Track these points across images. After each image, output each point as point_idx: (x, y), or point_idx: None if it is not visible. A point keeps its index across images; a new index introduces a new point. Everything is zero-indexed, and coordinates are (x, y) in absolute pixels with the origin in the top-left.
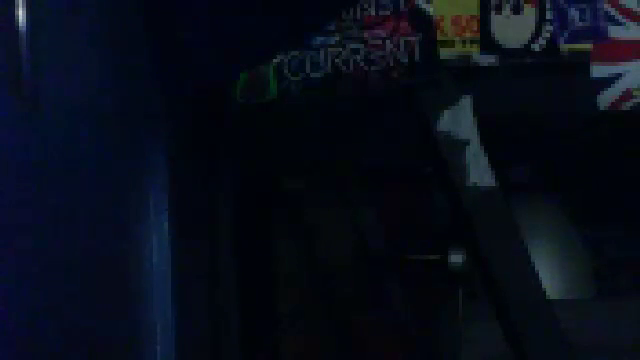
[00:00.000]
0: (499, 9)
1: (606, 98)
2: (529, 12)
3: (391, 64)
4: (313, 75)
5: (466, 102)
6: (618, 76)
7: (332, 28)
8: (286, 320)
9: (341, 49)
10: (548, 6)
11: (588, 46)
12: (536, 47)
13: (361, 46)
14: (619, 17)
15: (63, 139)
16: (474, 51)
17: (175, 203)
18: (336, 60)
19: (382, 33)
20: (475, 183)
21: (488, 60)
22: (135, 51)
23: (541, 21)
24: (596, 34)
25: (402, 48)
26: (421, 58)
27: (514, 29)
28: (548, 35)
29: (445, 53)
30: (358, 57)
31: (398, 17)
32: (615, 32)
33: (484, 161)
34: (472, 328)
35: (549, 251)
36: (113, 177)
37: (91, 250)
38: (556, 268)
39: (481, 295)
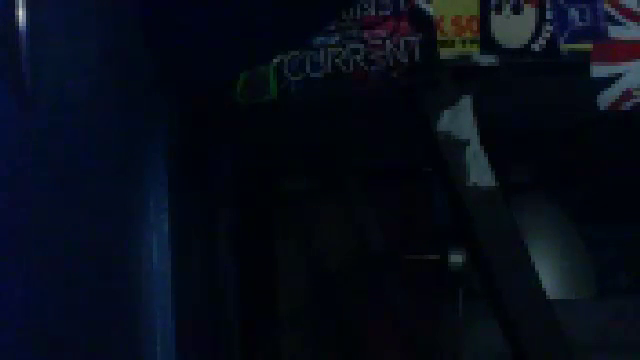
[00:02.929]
0: (499, 9)
1: (606, 98)
2: (529, 12)
3: (391, 64)
4: (313, 75)
5: (466, 102)
6: (618, 76)
7: (332, 28)
8: (286, 320)
9: (341, 49)
10: (548, 6)
11: (588, 46)
12: (536, 47)
13: (361, 46)
14: (619, 17)
15: (63, 139)
16: (474, 51)
17: (175, 203)
18: (336, 60)
19: (382, 33)
20: (475, 183)
21: (488, 60)
22: (135, 51)
23: (541, 21)
24: (596, 34)
25: (402, 48)
26: (421, 58)
27: (514, 29)
28: (548, 35)
29: (445, 53)
30: (358, 57)
31: (398, 17)
32: (615, 32)
33: (484, 161)
34: (472, 328)
35: (549, 251)
36: (113, 177)
37: (90, 250)
38: (556, 268)
39: (481, 295)
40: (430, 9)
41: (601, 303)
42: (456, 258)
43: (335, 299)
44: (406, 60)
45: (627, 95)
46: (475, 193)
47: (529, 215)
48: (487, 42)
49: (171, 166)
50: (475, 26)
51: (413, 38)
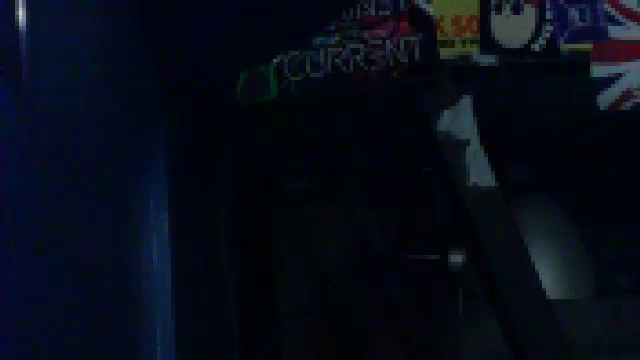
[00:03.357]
0: (499, 9)
1: (606, 98)
2: (529, 12)
3: (391, 64)
4: (313, 75)
5: (466, 102)
6: (618, 76)
7: (332, 28)
8: (286, 320)
9: (341, 49)
10: (548, 6)
11: (588, 46)
12: (536, 47)
13: (361, 46)
14: (619, 17)
15: (63, 139)
16: (474, 51)
17: (175, 203)
18: (336, 60)
19: (382, 33)
20: (475, 183)
21: (488, 60)
22: (135, 51)
23: (541, 21)
24: (596, 34)
25: (402, 48)
26: (421, 58)
27: (514, 29)
28: (548, 35)
29: (445, 53)
30: (358, 57)
31: (398, 17)
32: (615, 32)
33: (484, 161)
34: (472, 328)
35: (549, 251)
36: (113, 177)
37: (91, 250)
38: (556, 268)
39: (481, 295)
40: (430, 9)
41: (601, 303)
42: (456, 258)
43: (335, 299)
44: (406, 60)
45: (627, 95)
46: (475, 193)
47: (529, 215)
48: (487, 42)
49: (171, 166)
50: (475, 26)
51: (413, 38)
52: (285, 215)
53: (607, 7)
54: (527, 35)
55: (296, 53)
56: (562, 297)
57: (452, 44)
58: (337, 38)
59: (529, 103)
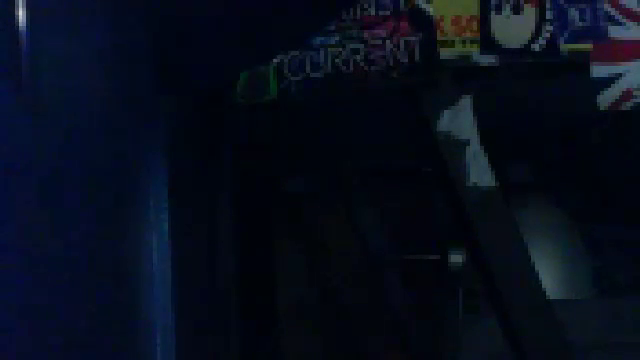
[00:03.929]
0: (499, 9)
1: (606, 98)
2: (529, 12)
3: (391, 64)
4: (313, 75)
5: (466, 102)
6: (618, 76)
7: (332, 28)
8: (286, 320)
9: (341, 49)
10: (548, 6)
11: (588, 46)
12: (536, 47)
13: (361, 46)
14: (619, 17)
15: (63, 139)
16: (474, 51)
17: (175, 203)
18: (336, 60)
19: (382, 33)
20: (475, 183)
21: (488, 60)
22: (135, 51)
23: (541, 21)
24: (596, 34)
25: (402, 48)
26: (421, 58)
27: (514, 29)
28: (548, 35)
29: (445, 53)
30: (358, 57)
31: (398, 17)
32: (615, 32)
33: (484, 161)
34: (472, 328)
35: (549, 251)
36: (113, 177)
37: (90, 250)
38: (556, 268)
39: (481, 295)
40: (430, 9)
41: (601, 303)
42: (456, 258)
43: (335, 299)
44: (406, 60)
45: (627, 95)
46: (475, 193)
47: (529, 215)
48: (487, 42)
49: (171, 166)
50: (475, 26)
51: (413, 38)
52: (285, 215)
53: (607, 7)
54: (527, 35)
55: (296, 53)
56: (562, 297)
57: (452, 44)
58: (337, 38)
59: (529, 103)
